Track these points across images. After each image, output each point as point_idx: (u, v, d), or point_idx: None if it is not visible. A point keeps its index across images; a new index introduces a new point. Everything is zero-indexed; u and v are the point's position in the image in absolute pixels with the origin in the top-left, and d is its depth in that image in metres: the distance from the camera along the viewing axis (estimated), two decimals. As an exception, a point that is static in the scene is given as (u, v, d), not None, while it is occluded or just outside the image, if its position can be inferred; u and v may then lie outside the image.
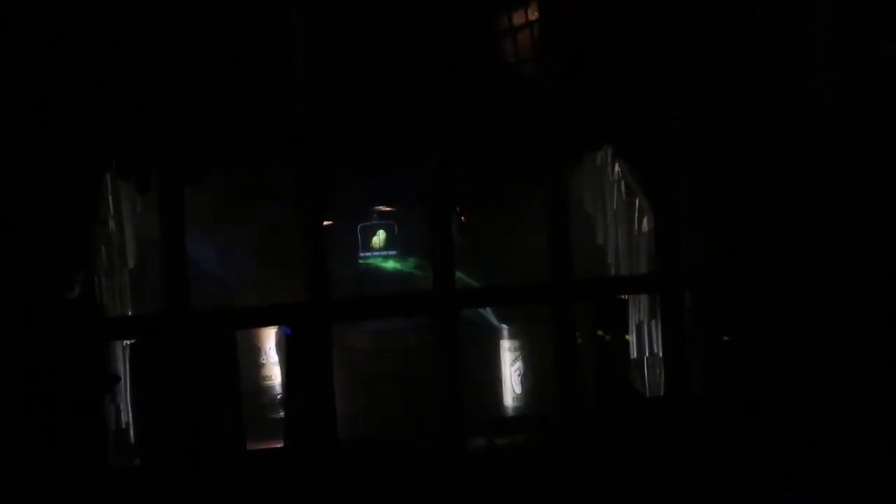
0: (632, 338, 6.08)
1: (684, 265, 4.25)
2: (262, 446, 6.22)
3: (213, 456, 3.80)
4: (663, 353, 4.40)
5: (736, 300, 4.27)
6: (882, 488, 3.57)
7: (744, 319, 4.18)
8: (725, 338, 4.31)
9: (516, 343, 6.99)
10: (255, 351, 7.15)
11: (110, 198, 5.64)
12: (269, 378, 7.10)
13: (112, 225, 5.73)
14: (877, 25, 3.73)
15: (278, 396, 7.13)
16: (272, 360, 7.14)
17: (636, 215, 6.87)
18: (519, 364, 7.01)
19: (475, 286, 5.40)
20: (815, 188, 3.97)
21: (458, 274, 3.85)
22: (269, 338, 7.04)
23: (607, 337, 4.31)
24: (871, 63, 3.73)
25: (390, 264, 7.48)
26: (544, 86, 3.96)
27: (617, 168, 7.32)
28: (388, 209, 7.66)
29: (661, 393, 5.64)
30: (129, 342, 4.10)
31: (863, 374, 3.76)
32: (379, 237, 7.53)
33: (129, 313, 6.06)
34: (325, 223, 3.83)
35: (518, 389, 6.99)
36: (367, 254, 7.59)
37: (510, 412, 6.97)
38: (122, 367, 4.36)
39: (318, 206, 3.63)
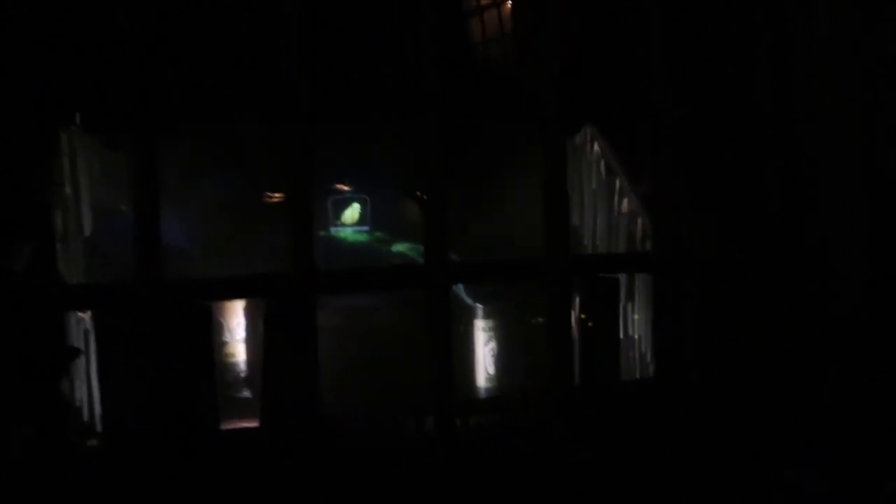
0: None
1: (684, 256, 4.19)
2: (227, 427, 6.01)
3: (184, 436, 3.53)
4: (658, 343, 4.36)
5: (736, 300, 4.25)
6: (879, 487, 3.57)
7: (743, 319, 4.16)
8: (724, 338, 4.27)
9: (491, 323, 6.85)
10: (218, 327, 6.80)
11: (66, 159, 5.24)
12: (233, 356, 6.77)
13: (69, 189, 5.32)
14: (877, 25, 3.74)
15: (242, 375, 6.83)
16: (237, 338, 6.81)
17: (616, 196, 6.78)
18: (493, 344, 6.87)
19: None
20: (815, 188, 3.97)
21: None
22: (234, 313, 6.71)
23: (597, 319, 4.19)
24: (871, 63, 3.75)
25: (363, 239, 7.22)
26: (543, 84, 3.90)
27: (596, 148, 7.21)
28: (349, 187, 7.38)
29: (637, 377, 5.59)
30: (93, 314, 3.76)
31: (863, 374, 3.77)
32: (353, 211, 7.25)
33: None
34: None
35: (491, 370, 6.86)
36: (337, 228, 7.32)
37: (483, 393, 6.84)
38: (85, 342, 4.02)
39: (307, 167, 3.37)
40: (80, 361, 4.00)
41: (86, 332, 4.35)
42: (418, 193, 7.27)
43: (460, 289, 6.70)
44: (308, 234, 3.38)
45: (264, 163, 6.55)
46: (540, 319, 6.72)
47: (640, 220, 6.42)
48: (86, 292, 3.79)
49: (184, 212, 6.65)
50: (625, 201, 6.63)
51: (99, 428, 3.88)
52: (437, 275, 3.55)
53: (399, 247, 6.89)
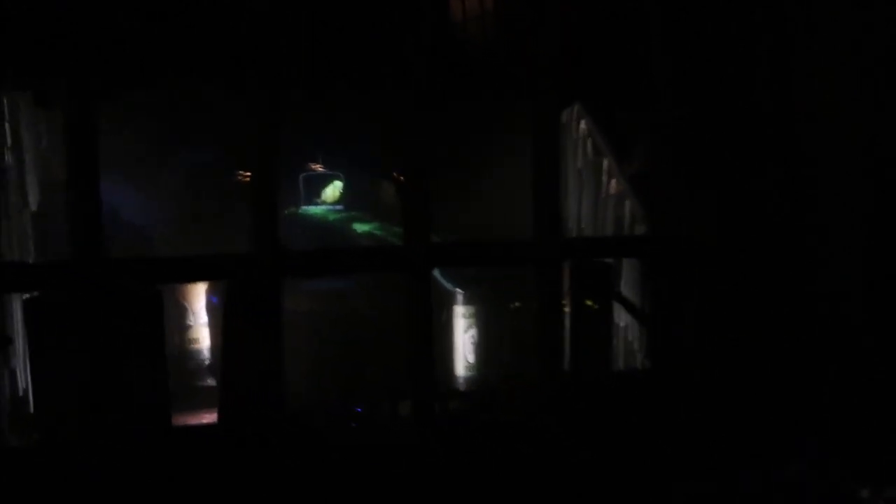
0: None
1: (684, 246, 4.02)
2: (188, 419, 5.62)
3: (131, 433, 3.16)
4: (653, 336, 4.12)
5: (735, 299, 4.14)
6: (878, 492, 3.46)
7: (742, 318, 4.06)
8: (723, 335, 4.13)
9: (471, 309, 6.49)
10: (181, 310, 6.37)
11: (6, 125, 4.74)
12: (197, 341, 6.35)
13: (9, 157, 4.82)
14: (877, 25, 3.73)
15: (206, 362, 6.42)
16: (201, 321, 6.38)
17: (604, 177, 6.47)
18: (473, 331, 6.53)
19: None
20: (815, 188, 3.98)
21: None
22: (198, 296, 6.29)
23: (588, 306, 3.90)
24: (871, 63, 3.74)
25: (337, 217, 6.80)
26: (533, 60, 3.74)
27: (583, 125, 6.88)
28: (322, 167, 6.97)
29: (622, 367, 5.32)
30: (27, 296, 3.34)
31: (863, 374, 3.75)
32: (334, 189, 6.83)
33: (31, 260, 5.22)
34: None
35: (471, 358, 6.52)
36: (308, 207, 6.90)
37: (461, 383, 6.51)
38: (16, 327, 3.60)
39: (271, 137, 2.98)
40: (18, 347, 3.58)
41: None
42: (395, 175, 6.93)
43: (438, 273, 6.36)
44: (272, 211, 3.01)
45: (237, 137, 6.15)
46: (521, 305, 6.51)
47: (627, 203, 6.12)
48: (16, 271, 3.34)
49: (147, 188, 6.21)
50: (612, 182, 6.32)
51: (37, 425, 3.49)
52: (416, 257, 3.21)
53: (364, 226, 6.51)
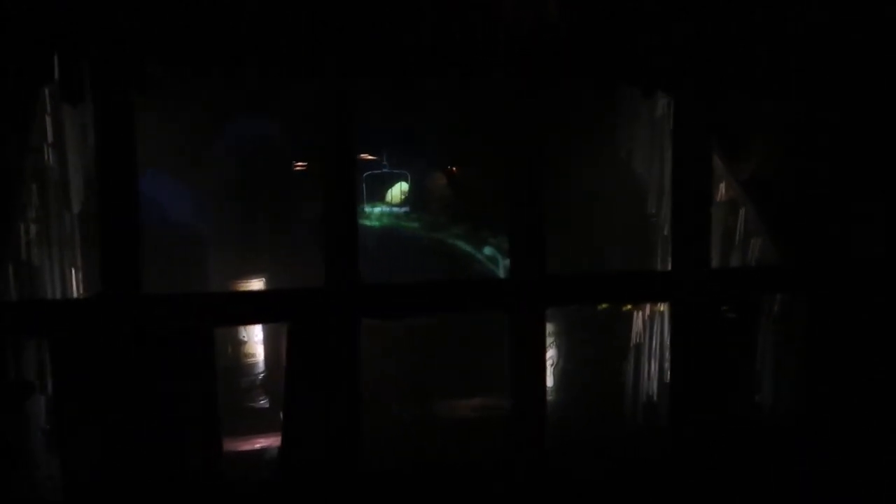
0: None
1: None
2: (240, 444, 5.07)
3: (174, 496, 2.56)
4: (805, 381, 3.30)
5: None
6: None
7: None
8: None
9: (551, 327, 5.77)
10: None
11: (48, 119, 4.23)
12: (252, 356, 5.80)
13: (50, 155, 4.31)
14: None
15: (261, 376, 5.88)
16: (255, 338, 5.82)
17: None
18: (553, 352, 5.81)
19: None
20: None
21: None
22: (253, 306, 5.76)
23: (730, 347, 3.13)
24: None
25: (405, 223, 6.12)
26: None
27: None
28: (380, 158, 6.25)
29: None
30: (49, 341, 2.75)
31: None
32: (400, 190, 6.12)
33: (76, 270, 4.71)
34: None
35: (549, 382, 5.81)
36: (372, 208, 6.24)
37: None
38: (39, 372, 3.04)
39: (348, 142, 2.32)
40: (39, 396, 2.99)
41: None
42: (450, 167, 6.21)
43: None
44: (351, 242, 2.34)
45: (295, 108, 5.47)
46: (607, 325, 5.75)
47: (742, 211, 5.28)
48: (29, 314, 2.66)
49: (195, 179, 5.66)
50: (721, 186, 5.47)
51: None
52: (525, 294, 2.50)
53: (458, 241, 5.76)
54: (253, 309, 2.53)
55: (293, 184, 5.94)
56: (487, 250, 5.84)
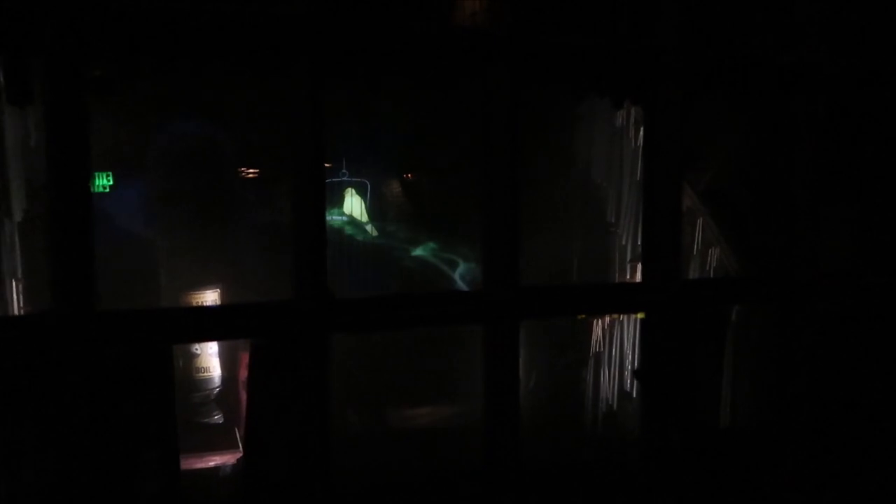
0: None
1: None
2: (193, 461, 4.85)
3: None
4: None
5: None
6: None
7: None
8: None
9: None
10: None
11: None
12: (206, 370, 5.58)
13: (-11, 161, 4.07)
14: None
15: (216, 391, 5.66)
16: (209, 350, 5.60)
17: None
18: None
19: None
20: None
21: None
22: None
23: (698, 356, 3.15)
24: None
25: (361, 234, 5.98)
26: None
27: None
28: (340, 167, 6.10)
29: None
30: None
31: None
32: (359, 199, 6.00)
33: (16, 282, 4.45)
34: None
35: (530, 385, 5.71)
36: (331, 217, 6.08)
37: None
38: None
39: (321, 150, 2.23)
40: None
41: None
42: (405, 175, 6.07)
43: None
44: (320, 252, 2.24)
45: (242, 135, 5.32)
46: (568, 334, 5.74)
47: (700, 221, 5.36)
48: None
49: (141, 190, 5.42)
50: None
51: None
52: (500, 306, 2.44)
53: (417, 250, 5.65)
54: (214, 325, 2.40)
55: (246, 190, 5.75)
56: (457, 259, 5.78)
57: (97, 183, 5.14)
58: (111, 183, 5.27)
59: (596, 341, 5.85)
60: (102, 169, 5.27)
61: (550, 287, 2.87)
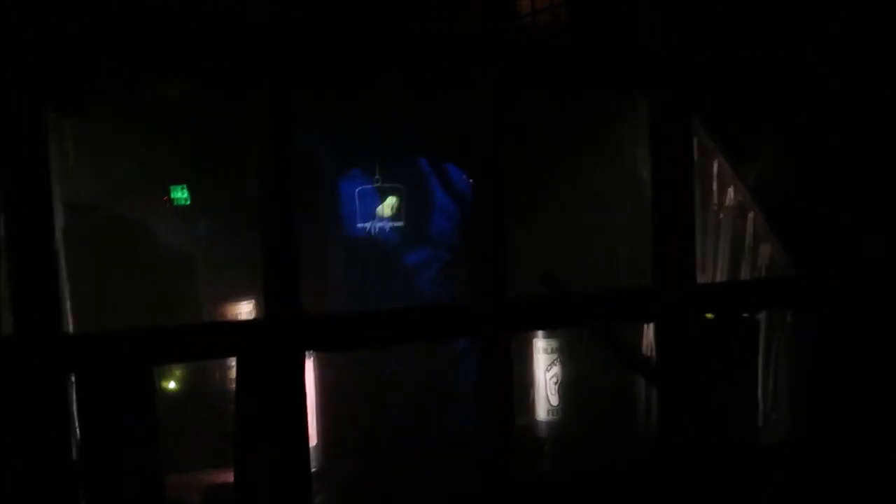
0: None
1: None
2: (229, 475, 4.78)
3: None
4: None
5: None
6: None
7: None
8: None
9: (553, 343, 5.53)
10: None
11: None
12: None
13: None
14: None
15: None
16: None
17: (714, 183, 5.34)
18: (556, 369, 5.55)
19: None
20: None
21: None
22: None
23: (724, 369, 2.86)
24: None
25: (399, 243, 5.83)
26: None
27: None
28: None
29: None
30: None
31: None
32: (392, 203, 5.84)
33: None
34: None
35: (554, 401, 5.56)
36: (366, 225, 6.00)
37: (543, 429, 5.55)
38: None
39: (285, 154, 2.11)
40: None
41: None
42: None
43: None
44: (292, 266, 2.13)
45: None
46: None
47: (750, 216, 5.00)
48: None
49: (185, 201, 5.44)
50: (729, 191, 5.19)
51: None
52: (486, 320, 2.26)
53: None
54: (194, 345, 2.33)
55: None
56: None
57: (174, 196, 5.15)
58: (187, 195, 5.26)
59: (647, 346, 5.58)
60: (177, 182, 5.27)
61: (535, 298, 2.62)
